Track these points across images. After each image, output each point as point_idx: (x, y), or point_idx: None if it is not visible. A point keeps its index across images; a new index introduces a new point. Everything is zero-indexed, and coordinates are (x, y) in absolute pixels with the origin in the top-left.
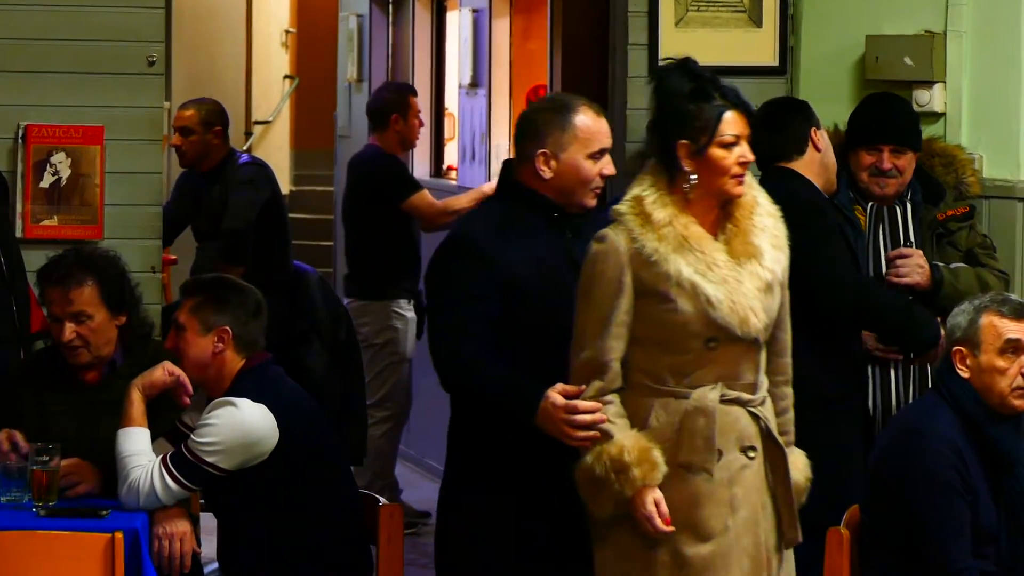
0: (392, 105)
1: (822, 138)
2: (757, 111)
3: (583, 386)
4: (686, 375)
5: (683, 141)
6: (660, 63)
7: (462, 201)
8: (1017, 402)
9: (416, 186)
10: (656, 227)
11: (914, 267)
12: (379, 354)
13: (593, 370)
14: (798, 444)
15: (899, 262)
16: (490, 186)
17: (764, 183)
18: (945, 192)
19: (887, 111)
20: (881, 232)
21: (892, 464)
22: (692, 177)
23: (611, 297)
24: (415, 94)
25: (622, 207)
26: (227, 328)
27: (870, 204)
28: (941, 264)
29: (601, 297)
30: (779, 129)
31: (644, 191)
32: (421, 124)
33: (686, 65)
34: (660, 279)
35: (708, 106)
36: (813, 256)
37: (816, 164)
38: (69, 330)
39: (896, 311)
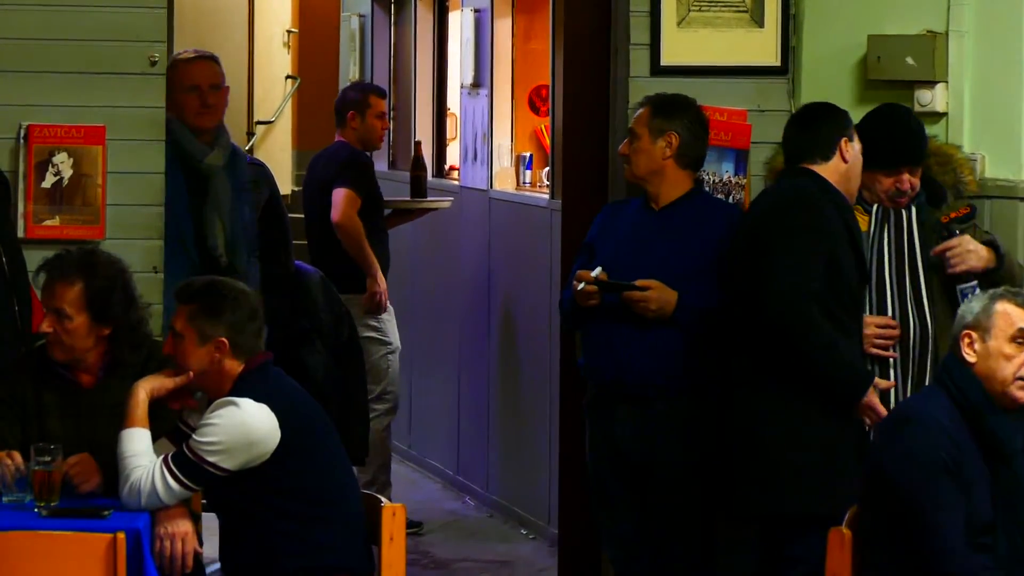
0: (351, 103)
1: (851, 150)
2: (795, 111)
3: None
4: None
5: None
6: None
7: (372, 267)
8: (1018, 393)
9: (358, 186)
10: None
11: (964, 253)
12: (371, 346)
13: None
14: (785, 437)
15: (949, 254)
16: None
17: (779, 179)
18: (946, 194)
19: (905, 132)
20: (886, 234)
21: (883, 453)
22: None
23: None
24: (380, 95)
25: None
26: (223, 339)
27: (875, 206)
28: (995, 236)
29: None
30: (809, 131)
31: None
32: (384, 126)
33: None
34: None
35: None
36: (772, 253)
37: (839, 174)
38: (47, 323)
39: (819, 346)
